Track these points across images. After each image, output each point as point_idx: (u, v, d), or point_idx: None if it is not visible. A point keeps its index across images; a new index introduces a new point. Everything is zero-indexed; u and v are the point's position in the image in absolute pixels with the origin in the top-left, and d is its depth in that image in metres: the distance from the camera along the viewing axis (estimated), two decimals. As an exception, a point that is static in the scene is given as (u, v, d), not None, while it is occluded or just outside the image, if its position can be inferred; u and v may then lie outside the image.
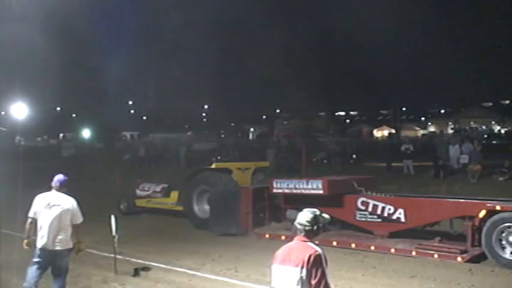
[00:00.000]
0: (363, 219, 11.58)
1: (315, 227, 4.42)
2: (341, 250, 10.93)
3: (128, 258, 10.32)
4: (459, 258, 9.76)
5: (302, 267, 4.14)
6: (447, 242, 10.51)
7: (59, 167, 31.79)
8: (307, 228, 4.40)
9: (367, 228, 11.53)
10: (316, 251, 4.24)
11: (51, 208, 7.01)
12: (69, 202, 7.12)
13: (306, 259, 4.15)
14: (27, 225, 7.10)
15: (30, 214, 7.11)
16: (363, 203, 11.52)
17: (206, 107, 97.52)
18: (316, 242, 4.38)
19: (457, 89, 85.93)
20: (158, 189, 16.39)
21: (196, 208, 14.63)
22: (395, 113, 70.17)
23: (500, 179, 18.82)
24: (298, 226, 4.45)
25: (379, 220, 11.23)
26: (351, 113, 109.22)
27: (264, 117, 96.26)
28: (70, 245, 7.11)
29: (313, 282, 4.11)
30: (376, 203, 11.31)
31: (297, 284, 4.15)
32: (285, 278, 4.24)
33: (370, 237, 11.32)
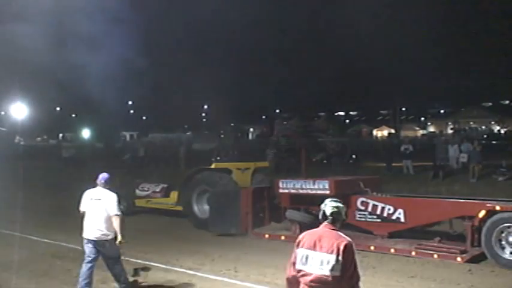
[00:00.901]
0: (363, 219, 11.58)
1: (343, 216, 4.65)
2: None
3: (127, 259, 10.28)
4: (459, 259, 9.77)
5: (338, 255, 4.29)
6: (447, 242, 10.52)
7: (59, 167, 31.87)
8: (335, 216, 4.58)
9: (367, 228, 11.53)
10: (349, 241, 4.42)
11: (94, 202, 7.87)
12: (109, 197, 7.86)
13: (341, 247, 4.31)
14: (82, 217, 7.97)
15: (81, 208, 8.04)
16: (362, 203, 11.52)
17: (206, 107, 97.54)
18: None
19: (456, 89, 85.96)
20: (158, 189, 16.39)
21: (196, 208, 14.64)
22: (395, 113, 70.11)
23: (500, 179, 18.84)
24: (327, 213, 4.58)
25: (379, 220, 11.24)
26: (351, 113, 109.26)
27: (264, 117, 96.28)
28: (110, 236, 7.77)
29: (348, 270, 4.30)
30: (376, 203, 11.32)
31: (332, 270, 4.28)
32: (315, 263, 4.37)
33: (369, 237, 11.32)
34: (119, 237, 7.73)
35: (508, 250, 9.49)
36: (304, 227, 12.33)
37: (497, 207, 9.71)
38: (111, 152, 38.51)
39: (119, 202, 7.99)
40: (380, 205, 11.23)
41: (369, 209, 11.43)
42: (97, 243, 7.76)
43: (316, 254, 4.37)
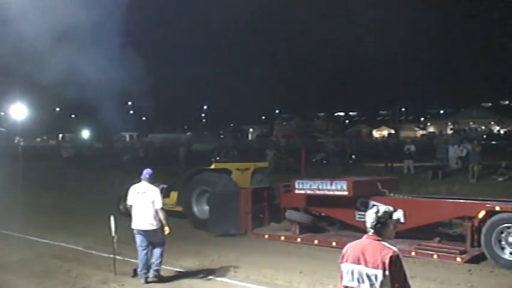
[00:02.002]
0: (362, 219, 11.54)
1: (387, 225, 4.19)
2: (340, 250, 10.87)
3: (127, 259, 10.29)
4: (458, 259, 9.76)
5: (384, 270, 3.94)
6: (446, 242, 10.51)
7: (59, 167, 31.87)
8: (378, 225, 4.15)
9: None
10: (395, 251, 4.03)
11: (140, 195, 8.71)
12: (153, 190, 8.76)
13: (387, 261, 3.95)
14: (130, 210, 8.81)
15: (128, 202, 8.89)
16: (362, 203, 11.51)
17: (205, 107, 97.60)
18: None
19: (456, 90, 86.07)
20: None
21: (195, 209, 14.62)
22: (395, 114, 70.20)
23: (500, 179, 18.84)
24: (369, 223, 4.18)
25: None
26: (350, 113, 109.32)
27: (263, 117, 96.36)
28: (156, 225, 8.61)
29: (396, 285, 3.96)
30: (375, 203, 11.29)
31: (381, 286, 3.96)
32: (361, 279, 4.06)
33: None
34: (167, 228, 8.67)
35: (507, 250, 9.48)
36: (304, 227, 12.37)
37: (497, 208, 9.70)
38: (110, 153, 38.51)
39: (162, 195, 8.86)
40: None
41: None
42: (146, 233, 8.62)
43: (362, 269, 4.05)
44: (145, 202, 8.64)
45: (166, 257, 10.55)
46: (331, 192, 11.41)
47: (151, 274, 8.80)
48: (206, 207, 14.26)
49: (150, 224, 8.61)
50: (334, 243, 11.27)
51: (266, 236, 12.53)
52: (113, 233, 9.33)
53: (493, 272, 9.24)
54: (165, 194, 16.13)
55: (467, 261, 9.68)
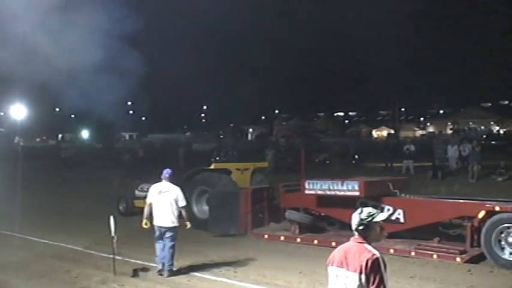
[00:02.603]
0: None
1: (372, 227, 4.07)
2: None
3: (126, 259, 10.31)
4: (458, 259, 9.76)
5: (361, 273, 3.90)
6: (446, 242, 10.50)
7: (58, 167, 31.87)
8: (360, 228, 4.06)
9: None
10: (374, 254, 3.95)
11: (162, 194, 9.22)
12: (175, 189, 9.29)
13: (363, 264, 3.90)
14: (146, 208, 9.34)
15: (148, 200, 9.39)
16: (361, 203, 11.50)
17: (205, 107, 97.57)
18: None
19: (456, 90, 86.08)
20: (157, 189, 16.35)
21: (195, 209, 14.60)
22: (394, 114, 70.15)
23: (499, 179, 18.87)
24: (354, 226, 4.10)
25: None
26: (350, 113, 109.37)
27: (263, 117, 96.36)
28: (176, 223, 9.21)
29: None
30: (375, 203, 11.29)
31: None
32: (342, 282, 4.04)
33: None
34: (188, 224, 9.42)
35: (507, 251, 9.48)
36: (304, 227, 12.37)
37: (497, 208, 9.70)
38: (110, 153, 38.50)
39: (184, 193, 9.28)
40: (379, 205, 11.20)
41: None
42: (167, 229, 9.14)
43: (342, 272, 4.03)
44: (167, 200, 9.17)
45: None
46: (342, 193, 11.22)
47: (165, 274, 9.16)
48: (206, 207, 14.25)
49: (171, 222, 9.16)
50: (333, 243, 11.24)
51: (266, 236, 12.52)
52: (113, 233, 9.33)
53: (493, 272, 9.24)
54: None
55: (467, 261, 9.67)
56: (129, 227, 13.29)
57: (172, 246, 9.22)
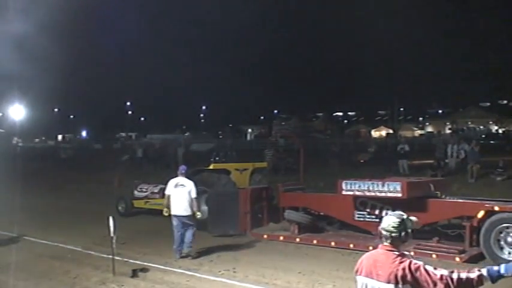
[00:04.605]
0: (361, 219, 11.57)
1: (403, 234, 3.80)
2: (339, 250, 10.94)
3: (126, 259, 10.30)
4: (457, 259, 9.76)
5: (397, 283, 3.65)
6: (445, 242, 10.51)
7: (57, 168, 31.85)
8: (394, 235, 3.78)
9: (366, 229, 11.51)
10: (403, 262, 3.71)
11: (178, 187, 10.60)
12: (189, 183, 10.65)
13: (399, 274, 3.64)
14: (166, 200, 10.77)
15: (166, 192, 10.80)
16: (361, 203, 11.51)
17: (204, 107, 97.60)
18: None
19: (454, 89, 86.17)
20: (156, 190, 16.32)
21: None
22: (393, 113, 70.20)
23: (498, 178, 18.87)
24: (384, 233, 3.83)
25: (378, 220, 11.17)
26: (349, 113, 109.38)
27: (262, 117, 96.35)
28: (190, 212, 10.49)
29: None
30: (374, 203, 11.30)
31: None
32: None
33: (368, 238, 11.29)
34: (199, 214, 10.76)
35: (506, 250, 9.49)
36: (303, 227, 12.37)
37: (496, 208, 9.71)
38: (109, 153, 38.49)
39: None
40: (379, 205, 11.22)
41: (368, 208, 11.42)
42: (183, 218, 10.45)
43: (374, 284, 3.77)
44: (183, 193, 10.50)
45: (165, 257, 10.62)
46: (383, 194, 10.83)
47: (185, 250, 10.52)
48: (205, 208, 14.24)
49: (185, 211, 10.46)
50: (333, 243, 11.27)
51: (265, 236, 12.52)
52: (112, 234, 9.33)
53: (492, 271, 9.23)
54: (163, 194, 16.13)
55: (466, 261, 9.67)
56: (128, 227, 13.30)
57: (193, 233, 10.55)
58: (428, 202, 10.87)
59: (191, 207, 10.52)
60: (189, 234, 10.55)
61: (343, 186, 11.46)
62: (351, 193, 11.41)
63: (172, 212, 10.58)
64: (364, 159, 25.79)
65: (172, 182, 10.77)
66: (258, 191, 13.48)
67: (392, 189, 10.69)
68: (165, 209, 10.77)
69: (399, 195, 10.57)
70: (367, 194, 11.11)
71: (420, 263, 3.69)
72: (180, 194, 10.55)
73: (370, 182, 11.14)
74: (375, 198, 11.04)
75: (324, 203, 12.63)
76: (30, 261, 10.61)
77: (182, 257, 10.45)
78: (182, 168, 11.01)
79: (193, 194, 10.57)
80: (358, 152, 27.71)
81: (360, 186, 11.22)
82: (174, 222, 10.56)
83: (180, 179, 10.72)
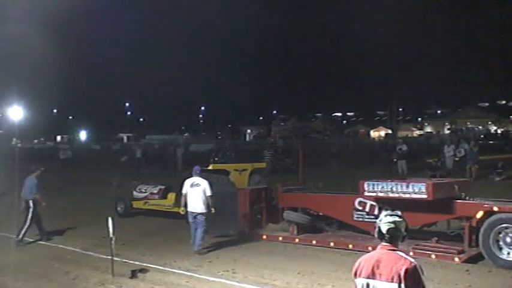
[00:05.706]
0: (360, 219, 11.56)
1: (403, 233, 3.88)
2: (338, 251, 10.94)
3: (125, 260, 10.30)
4: (456, 259, 9.76)
5: (400, 283, 3.67)
6: (444, 242, 10.51)
7: (56, 169, 31.80)
8: (395, 234, 3.84)
9: (365, 229, 11.49)
10: (411, 262, 3.72)
11: (194, 187, 11.29)
12: (204, 182, 11.34)
13: (402, 273, 3.67)
14: (182, 199, 11.45)
15: (183, 191, 11.44)
16: (360, 203, 11.50)
17: (203, 108, 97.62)
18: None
19: (453, 90, 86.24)
20: (155, 191, 16.33)
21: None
22: (392, 114, 70.20)
23: (497, 179, 18.90)
24: (383, 231, 3.86)
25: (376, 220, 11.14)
26: (348, 113, 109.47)
27: (261, 118, 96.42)
28: (205, 209, 11.16)
29: None
30: (373, 203, 11.30)
31: None
32: None
33: (367, 238, 11.28)
34: (213, 209, 11.26)
35: (505, 251, 9.48)
36: (302, 227, 12.37)
37: (495, 208, 9.70)
38: (108, 154, 38.46)
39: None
40: (378, 205, 11.21)
41: (367, 209, 11.41)
42: (198, 215, 11.14)
43: (377, 284, 3.77)
44: (199, 192, 11.19)
45: (165, 258, 10.62)
46: (407, 195, 10.49)
47: (196, 248, 11.07)
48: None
49: (200, 209, 11.14)
50: (332, 244, 11.27)
51: (264, 237, 12.51)
52: (111, 235, 9.32)
53: (491, 271, 9.25)
54: (162, 195, 16.14)
55: (465, 261, 9.68)
56: (127, 228, 13.28)
57: (204, 231, 11.16)
58: (427, 202, 10.79)
59: (206, 204, 11.18)
60: (199, 233, 11.10)
61: (366, 187, 11.16)
62: (373, 194, 11.09)
63: (189, 209, 11.28)
64: (396, 159, 25.36)
65: (188, 182, 11.44)
66: (257, 192, 13.47)
67: (417, 190, 10.37)
68: (182, 208, 11.44)
69: (424, 196, 10.28)
70: (391, 195, 10.74)
71: (421, 275, 3.72)
72: (196, 193, 11.22)
73: (393, 183, 10.84)
74: (399, 200, 10.54)
75: (324, 203, 12.63)
76: (29, 262, 10.61)
77: (188, 256, 10.69)
78: (196, 168, 11.71)
79: (208, 192, 11.24)
80: (389, 151, 26.94)
81: (382, 187, 10.90)
82: (190, 218, 11.30)
83: (195, 179, 11.41)
